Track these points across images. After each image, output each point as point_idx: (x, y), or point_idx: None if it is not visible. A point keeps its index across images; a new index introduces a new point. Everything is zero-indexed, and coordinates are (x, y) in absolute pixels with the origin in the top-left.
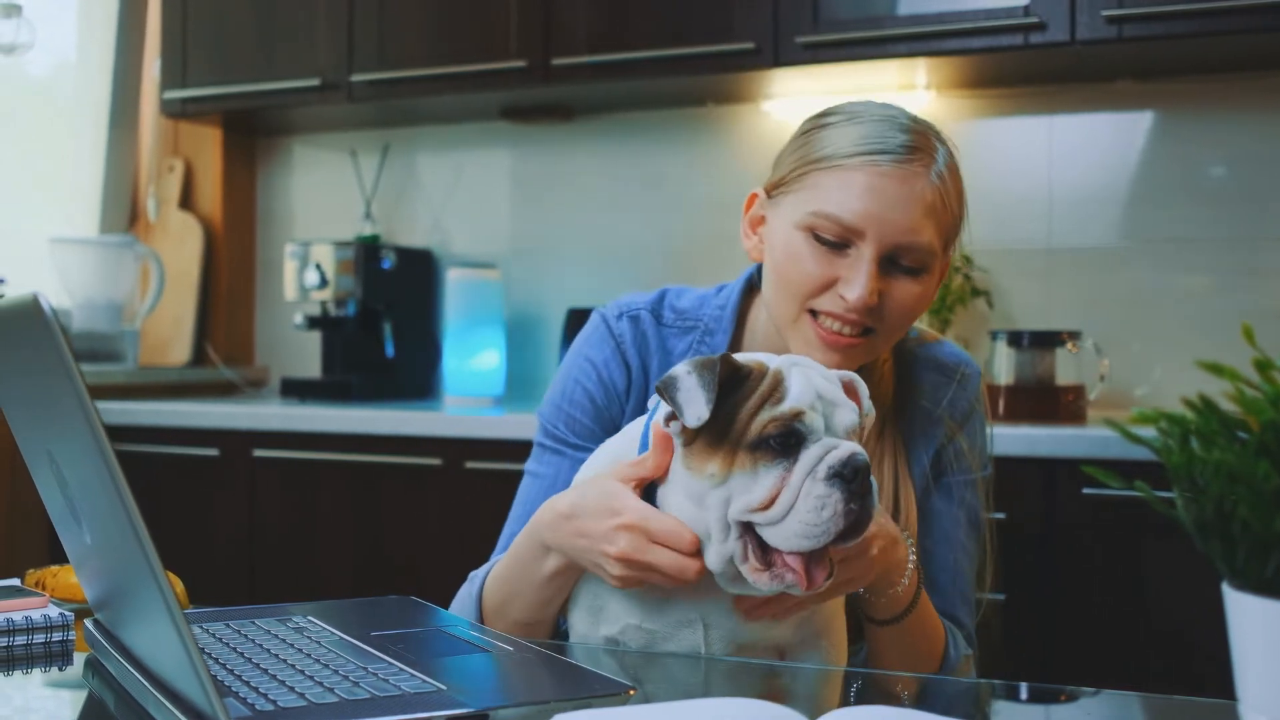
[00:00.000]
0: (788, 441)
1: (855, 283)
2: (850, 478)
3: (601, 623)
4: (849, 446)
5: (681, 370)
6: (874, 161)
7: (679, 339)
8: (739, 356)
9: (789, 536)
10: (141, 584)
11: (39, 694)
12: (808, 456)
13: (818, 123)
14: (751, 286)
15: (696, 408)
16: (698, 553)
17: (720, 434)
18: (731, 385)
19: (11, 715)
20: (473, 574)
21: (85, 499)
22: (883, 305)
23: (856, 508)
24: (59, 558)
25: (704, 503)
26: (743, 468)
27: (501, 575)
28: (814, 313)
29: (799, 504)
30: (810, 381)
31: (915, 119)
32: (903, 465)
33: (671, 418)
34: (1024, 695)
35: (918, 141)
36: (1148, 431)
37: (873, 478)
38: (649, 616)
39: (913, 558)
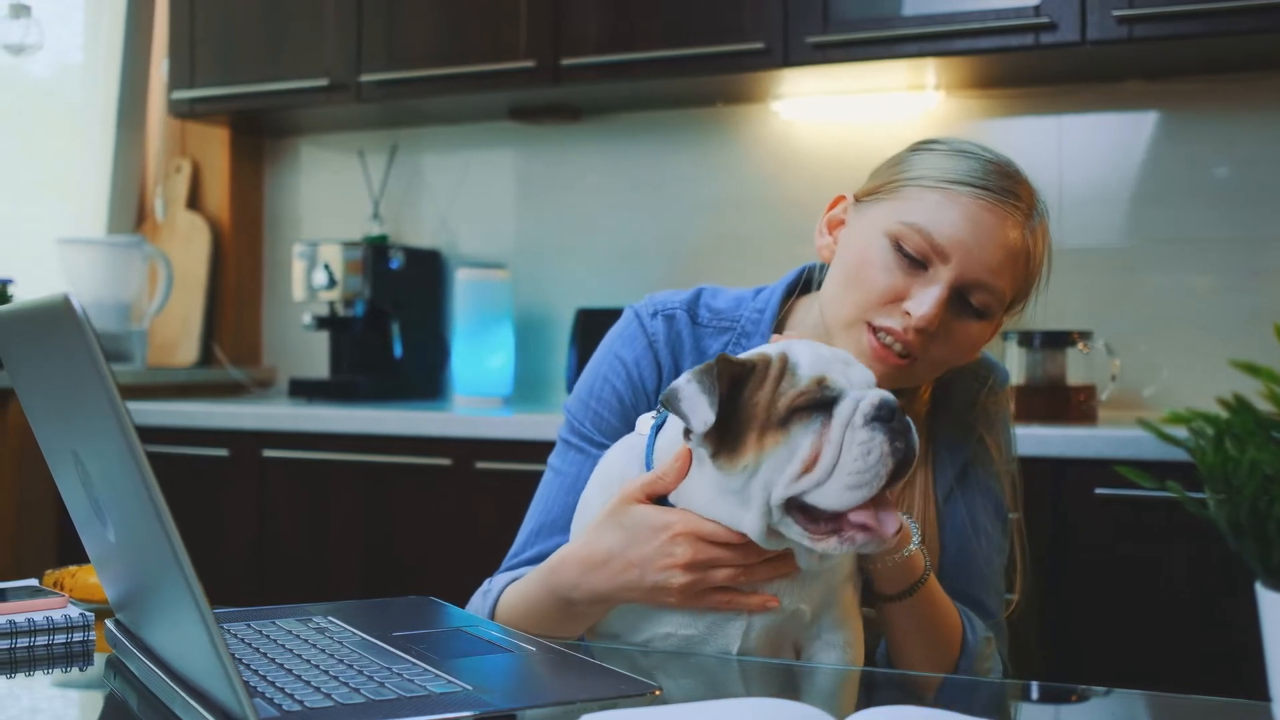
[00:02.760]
0: (818, 406)
1: (923, 301)
2: (888, 418)
3: (627, 633)
4: (877, 392)
5: (681, 380)
6: (976, 194)
7: (714, 339)
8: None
9: (840, 491)
10: (168, 583)
11: (49, 694)
12: (841, 410)
13: (924, 146)
14: (793, 291)
15: (701, 413)
16: (747, 543)
17: (745, 426)
18: (740, 381)
19: (19, 715)
20: (487, 586)
21: (111, 498)
22: (935, 336)
23: (901, 445)
24: (68, 559)
25: (741, 496)
26: (775, 444)
27: (517, 611)
28: (872, 327)
29: (843, 456)
30: (815, 350)
31: (1022, 172)
32: (929, 478)
33: (690, 430)
34: (1051, 696)
35: (1021, 191)
36: (1177, 431)
37: (909, 418)
38: (688, 623)
39: (916, 534)
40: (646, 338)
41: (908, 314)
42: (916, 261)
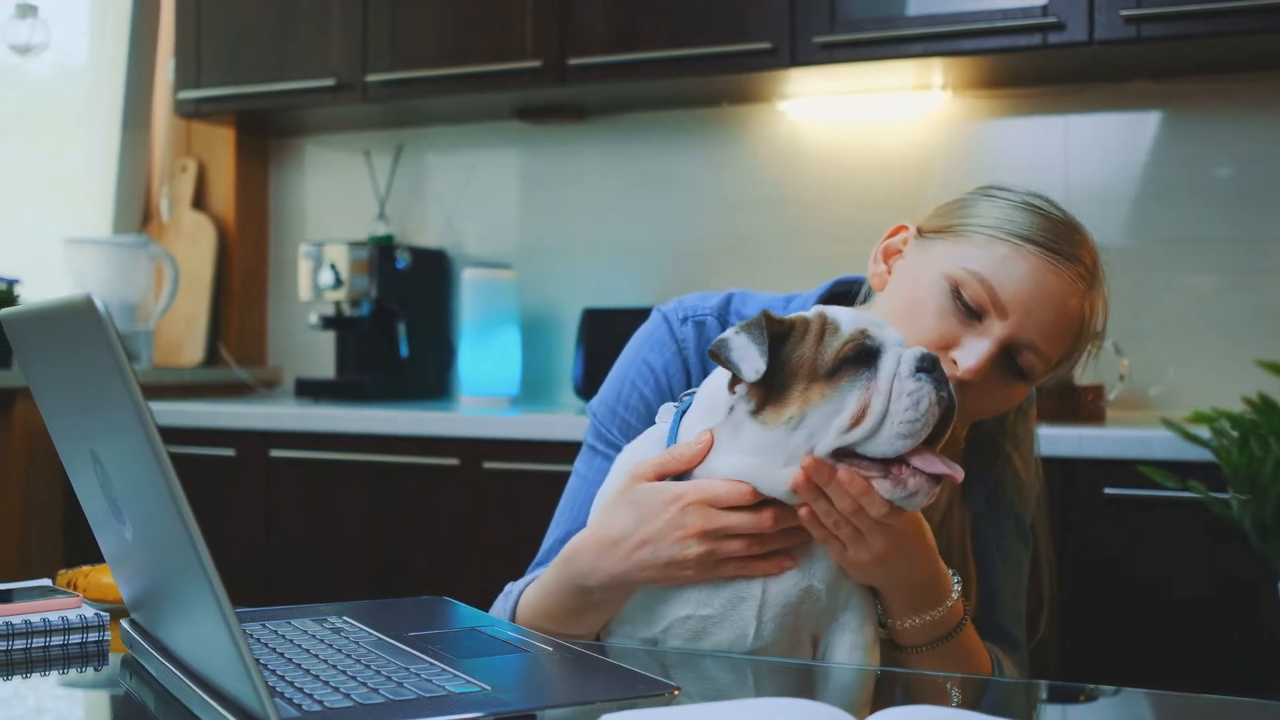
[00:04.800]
0: (862, 358)
1: (972, 354)
2: (931, 369)
3: (645, 625)
4: (917, 348)
5: (729, 332)
6: (1044, 254)
7: None
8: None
9: (891, 439)
10: (188, 581)
11: (65, 694)
12: (887, 362)
13: (993, 192)
14: (826, 303)
15: (752, 361)
16: (762, 504)
17: (790, 379)
18: (781, 339)
19: (34, 715)
20: (508, 589)
21: (130, 497)
22: (976, 389)
23: (945, 395)
24: (74, 559)
25: (781, 450)
26: (821, 398)
27: (537, 609)
28: None
29: (893, 406)
30: (850, 311)
31: (1086, 231)
32: (963, 507)
33: (736, 382)
34: (1059, 695)
35: (1084, 255)
36: (1199, 431)
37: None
38: (704, 602)
39: (952, 598)
40: (676, 344)
41: (954, 363)
42: (972, 311)
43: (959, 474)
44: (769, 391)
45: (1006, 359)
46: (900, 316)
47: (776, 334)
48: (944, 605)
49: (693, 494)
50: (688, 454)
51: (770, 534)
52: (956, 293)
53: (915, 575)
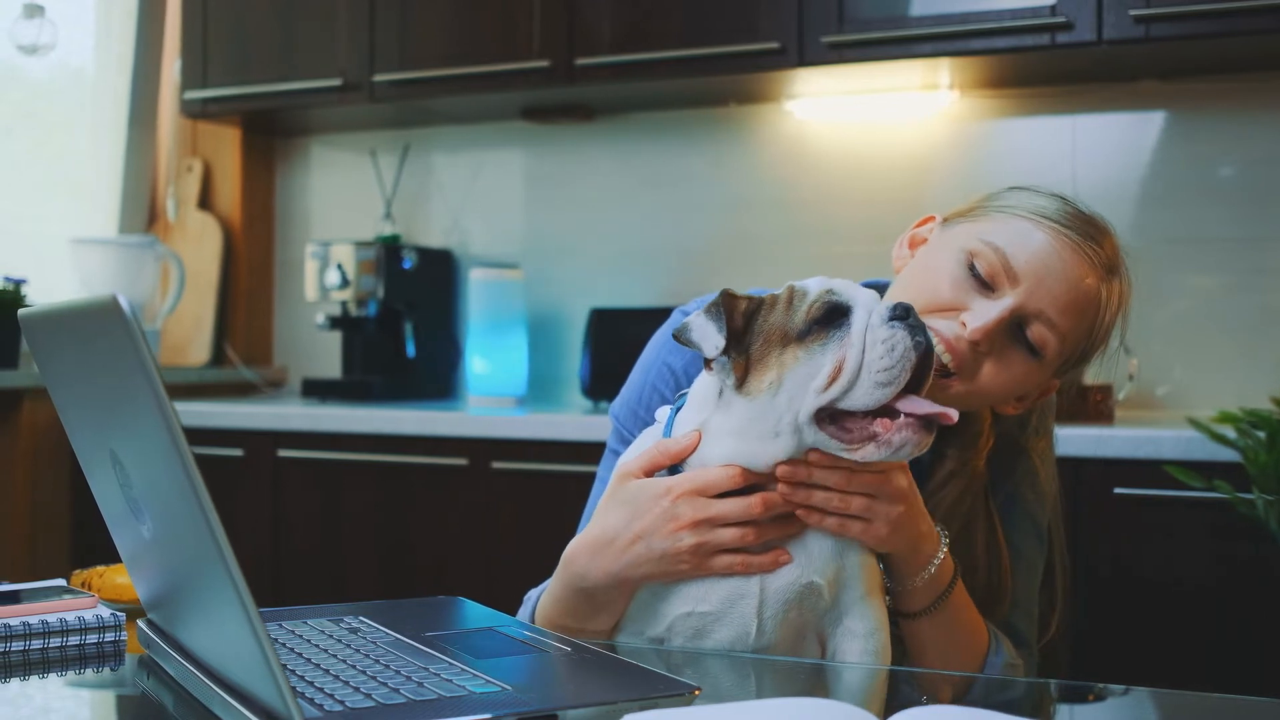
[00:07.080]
0: (833, 317)
1: (981, 315)
2: (904, 315)
3: (648, 625)
4: (888, 301)
5: (691, 316)
6: (1061, 231)
7: None
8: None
9: (870, 389)
10: (210, 580)
11: (81, 695)
12: (857, 316)
13: (1021, 185)
14: None
15: (711, 339)
16: (752, 489)
17: (766, 348)
18: (752, 315)
19: (53, 716)
20: (528, 595)
21: (150, 497)
22: (986, 356)
23: (922, 340)
24: (81, 560)
25: (770, 421)
26: (796, 360)
27: (549, 615)
28: None
29: (868, 356)
30: (820, 279)
31: (1112, 231)
32: (996, 513)
33: (710, 362)
34: (1068, 694)
35: (1105, 244)
36: (1221, 430)
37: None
38: (702, 598)
39: (943, 551)
40: None
41: (963, 325)
42: (985, 283)
43: (952, 414)
44: (749, 364)
45: (1017, 330)
46: (914, 287)
47: (745, 310)
48: (940, 553)
49: (682, 485)
50: (674, 448)
51: (762, 521)
52: (971, 264)
53: (919, 526)
